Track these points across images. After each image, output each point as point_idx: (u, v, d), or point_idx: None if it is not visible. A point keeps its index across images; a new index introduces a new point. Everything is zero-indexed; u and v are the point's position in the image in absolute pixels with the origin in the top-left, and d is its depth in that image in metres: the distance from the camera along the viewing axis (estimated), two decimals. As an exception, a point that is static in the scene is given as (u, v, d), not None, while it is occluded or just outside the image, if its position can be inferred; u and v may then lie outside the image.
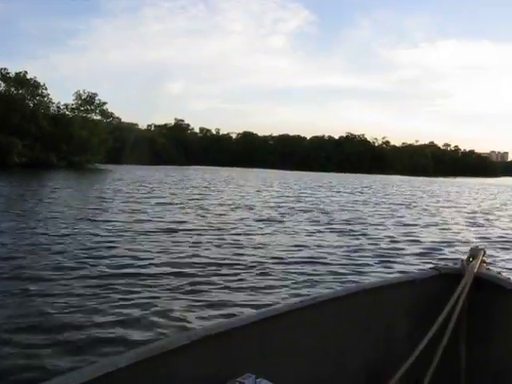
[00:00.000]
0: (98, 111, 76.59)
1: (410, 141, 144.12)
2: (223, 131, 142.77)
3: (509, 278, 2.45)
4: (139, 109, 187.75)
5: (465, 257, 2.57)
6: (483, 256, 2.55)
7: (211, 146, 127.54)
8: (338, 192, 37.49)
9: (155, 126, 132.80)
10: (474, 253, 2.55)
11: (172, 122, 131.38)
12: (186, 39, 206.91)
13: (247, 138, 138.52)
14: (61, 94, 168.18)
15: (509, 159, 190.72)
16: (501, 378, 2.38)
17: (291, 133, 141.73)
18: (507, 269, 8.66)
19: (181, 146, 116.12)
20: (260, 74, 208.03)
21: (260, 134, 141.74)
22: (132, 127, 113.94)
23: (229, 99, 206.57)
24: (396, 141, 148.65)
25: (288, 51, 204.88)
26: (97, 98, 76.25)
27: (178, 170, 72.57)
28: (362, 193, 38.03)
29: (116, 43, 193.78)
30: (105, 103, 77.23)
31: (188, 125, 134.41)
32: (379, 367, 2.32)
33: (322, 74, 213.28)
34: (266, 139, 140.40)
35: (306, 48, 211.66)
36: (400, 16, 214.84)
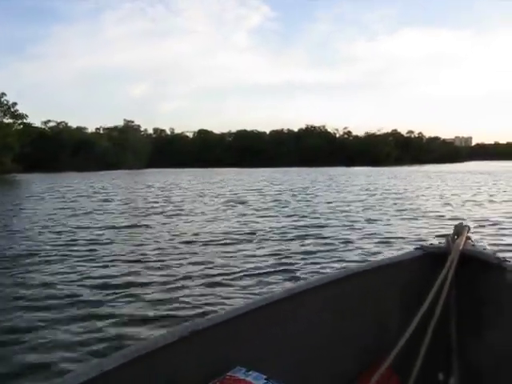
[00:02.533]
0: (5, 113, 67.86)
1: (373, 131, 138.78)
2: (179, 131, 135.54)
3: (494, 253, 2.42)
4: (102, 113, 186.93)
5: (450, 234, 2.51)
6: (468, 232, 2.51)
7: (166, 147, 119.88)
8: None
9: (104, 128, 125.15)
10: (459, 230, 2.51)
11: (121, 123, 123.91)
12: (146, 41, 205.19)
13: (202, 136, 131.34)
14: (25, 104, 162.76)
15: (473, 143, 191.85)
16: (491, 351, 2.38)
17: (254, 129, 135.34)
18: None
19: (131, 148, 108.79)
20: (224, 71, 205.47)
21: (217, 131, 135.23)
22: (68, 130, 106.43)
23: (195, 99, 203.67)
24: (358, 131, 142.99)
25: (250, 48, 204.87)
26: (4, 99, 68.16)
27: (107, 176, 65.34)
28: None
29: (77, 48, 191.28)
30: (15, 104, 68.84)
31: (139, 126, 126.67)
32: (371, 352, 2.32)
33: (285, 70, 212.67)
34: (222, 136, 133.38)
35: (268, 44, 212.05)
36: (359, 9, 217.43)
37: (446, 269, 2.34)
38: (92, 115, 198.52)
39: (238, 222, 16.20)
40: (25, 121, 76.68)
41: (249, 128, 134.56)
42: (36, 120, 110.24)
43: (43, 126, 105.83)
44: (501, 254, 2.40)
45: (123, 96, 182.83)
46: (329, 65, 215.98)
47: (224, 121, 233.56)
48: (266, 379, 1.69)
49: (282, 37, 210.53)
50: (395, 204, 21.47)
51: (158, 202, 24.58)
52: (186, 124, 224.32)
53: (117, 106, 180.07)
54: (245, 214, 18.31)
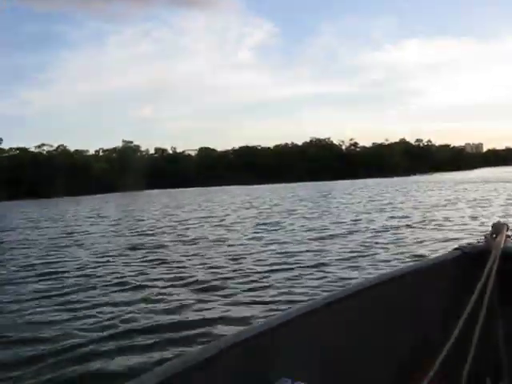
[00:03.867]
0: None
1: (381, 141, 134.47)
2: (181, 149, 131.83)
3: None
4: (105, 136, 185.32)
5: (488, 234, 2.49)
6: (507, 231, 2.48)
7: (167, 167, 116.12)
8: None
9: (103, 150, 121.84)
10: (498, 228, 2.47)
11: (120, 144, 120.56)
12: (149, 62, 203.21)
13: (204, 154, 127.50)
14: (35, 130, 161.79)
15: (484, 150, 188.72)
16: None
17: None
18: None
19: (132, 169, 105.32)
20: (229, 90, 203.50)
21: (220, 149, 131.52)
22: (66, 153, 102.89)
23: (198, 118, 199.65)
24: (365, 142, 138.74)
25: (255, 65, 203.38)
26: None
27: (95, 201, 61.57)
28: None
29: (80, 72, 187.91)
30: None
31: (138, 146, 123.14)
32: (415, 358, 2.26)
33: (289, 84, 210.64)
34: (225, 154, 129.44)
35: (272, 60, 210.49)
36: (363, 20, 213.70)
37: (487, 268, 2.29)
38: (95, 138, 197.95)
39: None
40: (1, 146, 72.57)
41: (252, 144, 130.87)
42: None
43: (37, 150, 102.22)
44: None
45: (127, 118, 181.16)
46: (333, 77, 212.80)
47: (228, 139, 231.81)
48: None
49: (285, 52, 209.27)
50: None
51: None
52: (189, 144, 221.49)
53: (120, 128, 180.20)
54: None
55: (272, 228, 18.54)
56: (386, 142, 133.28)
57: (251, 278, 9.48)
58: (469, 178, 61.01)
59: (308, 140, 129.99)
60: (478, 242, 2.52)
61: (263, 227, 19.00)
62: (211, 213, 29.04)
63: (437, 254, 2.84)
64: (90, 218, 31.20)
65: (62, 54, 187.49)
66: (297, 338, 1.93)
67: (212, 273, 10.29)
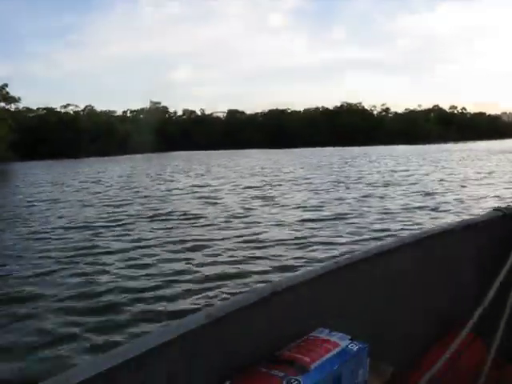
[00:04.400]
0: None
1: (413, 107, 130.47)
2: (210, 111, 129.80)
3: None
4: (143, 100, 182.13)
5: None
6: None
7: (194, 129, 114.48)
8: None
9: (131, 111, 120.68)
10: None
11: (148, 105, 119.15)
12: (183, 26, 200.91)
13: (233, 116, 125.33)
14: (65, 92, 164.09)
15: None
16: None
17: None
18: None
19: (158, 131, 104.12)
20: (262, 54, 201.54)
21: (249, 112, 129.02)
22: (92, 114, 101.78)
23: (234, 83, 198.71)
24: (398, 108, 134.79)
25: (288, 29, 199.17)
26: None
27: (115, 162, 60.85)
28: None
29: (114, 35, 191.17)
30: (5, 85, 62.54)
31: (166, 107, 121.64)
32: (452, 315, 2.29)
33: (323, 50, 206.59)
34: (254, 116, 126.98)
35: (306, 25, 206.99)
36: None
37: None
38: (124, 100, 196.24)
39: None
40: (20, 104, 70.67)
41: (282, 107, 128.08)
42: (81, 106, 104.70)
43: (63, 110, 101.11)
44: None
45: (157, 81, 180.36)
46: (367, 42, 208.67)
47: (258, 103, 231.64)
48: (350, 339, 1.64)
49: (319, 17, 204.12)
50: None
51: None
52: (220, 107, 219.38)
53: (150, 90, 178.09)
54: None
55: (264, 203, 16.48)
56: (419, 108, 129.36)
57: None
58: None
59: (339, 104, 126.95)
60: None
61: (254, 202, 16.82)
62: (212, 179, 27.52)
63: (476, 215, 2.76)
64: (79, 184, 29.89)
65: (93, 15, 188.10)
66: (335, 290, 1.93)
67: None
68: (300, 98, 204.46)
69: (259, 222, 12.61)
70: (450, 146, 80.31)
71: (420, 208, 13.73)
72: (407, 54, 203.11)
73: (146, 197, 19.90)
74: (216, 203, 16.93)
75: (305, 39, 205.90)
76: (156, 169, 41.44)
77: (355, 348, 1.60)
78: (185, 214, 14.36)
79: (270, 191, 20.14)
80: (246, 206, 15.94)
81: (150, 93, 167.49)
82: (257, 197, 18.36)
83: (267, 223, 12.39)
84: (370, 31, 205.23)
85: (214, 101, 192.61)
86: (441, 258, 2.32)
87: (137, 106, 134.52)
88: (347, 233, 10.51)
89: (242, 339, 1.62)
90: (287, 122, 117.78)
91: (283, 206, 15.57)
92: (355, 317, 1.95)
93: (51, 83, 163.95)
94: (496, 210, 2.52)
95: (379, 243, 2.26)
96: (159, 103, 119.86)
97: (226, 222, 13.01)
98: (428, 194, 16.88)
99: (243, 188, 21.76)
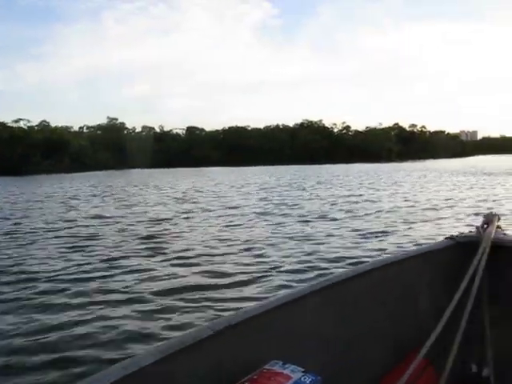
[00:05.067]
0: None
1: (374, 125, 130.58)
2: (169, 128, 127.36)
3: None
4: (103, 113, 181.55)
5: (479, 224, 2.55)
6: (498, 221, 2.53)
7: (153, 146, 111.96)
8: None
9: (87, 127, 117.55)
10: (489, 219, 2.54)
11: (105, 121, 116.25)
12: (146, 40, 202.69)
13: (192, 133, 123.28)
14: (24, 104, 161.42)
15: (478, 138, 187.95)
16: None
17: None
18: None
19: (115, 147, 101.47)
20: (222, 69, 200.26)
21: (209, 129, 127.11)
22: (46, 130, 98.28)
23: (199, 96, 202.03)
24: (358, 125, 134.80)
25: (252, 45, 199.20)
26: None
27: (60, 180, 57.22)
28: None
29: (76, 48, 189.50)
30: None
31: (123, 123, 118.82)
32: (405, 343, 2.31)
33: (285, 66, 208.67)
34: (214, 134, 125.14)
35: (270, 40, 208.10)
36: (363, 2, 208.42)
37: (477, 257, 2.33)
38: (82, 115, 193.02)
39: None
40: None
41: (242, 125, 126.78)
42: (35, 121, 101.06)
43: (14, 125, 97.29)
44: None
45: (119, 95, 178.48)
46: (329, 59, 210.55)
47: (219, 119, 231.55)
48: (303, 371, 1.64)
49: (283, 33, 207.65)
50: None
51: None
52: (182, 123, 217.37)
53: (113, 105, 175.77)
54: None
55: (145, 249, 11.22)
56: (380, 127, 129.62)
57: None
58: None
59: (299, 122, 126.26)
60: (470, 232, 2.57)
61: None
62: (117, 208, 21.61)
63: (430, 243, 2.73)
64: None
65: (57, 27, 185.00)
66: (289, 322, 1.92)
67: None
68: (261, 113, 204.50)
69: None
70: (409, 164, 79.88)
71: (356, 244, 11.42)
72: (371, 71, 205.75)
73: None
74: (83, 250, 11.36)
75: (267, 54, 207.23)
76: (77, 190, 36.30)
77: (308, 380, 1.60)
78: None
79: (171, 227, 15.16)
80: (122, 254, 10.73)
81: (110, 107, 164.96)
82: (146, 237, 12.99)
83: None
84: (334, 48, 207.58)
85: (174, 116, 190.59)
86: (396, 285, 2.35)
87: (94, 121, 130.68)
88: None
89: (193, 376, 1.59)
90: (247, 139, 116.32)
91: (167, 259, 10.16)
92: (308, 348, 1.95)
93: (5, 96, 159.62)
94: (449, 238, 2.58)
95: (332, 275, 2.22)
96: (116, 119, 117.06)
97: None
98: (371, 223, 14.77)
99: (144, 221, 16.57)
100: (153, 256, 10.32)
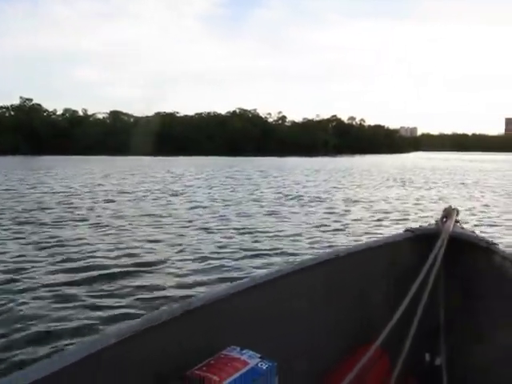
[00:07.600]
0: None
1: (311, 117, 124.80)
2: (92, 112, 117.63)
3: (483, 237, 2.48)
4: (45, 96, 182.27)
5: (439, 217, 2.55)
6: (456, 216, 2.55)
7: (71, 131, 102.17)
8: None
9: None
10: (448, 213, 2.54)
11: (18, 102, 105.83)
12: (95, 24, 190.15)
13: (116, 118, 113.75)
14: None
15: (418, 134, 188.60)
16: (479, 332, 2.43)
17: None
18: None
19: (24, 131, 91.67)
20: (174, 58, 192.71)
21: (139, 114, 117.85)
22: None
23: (144, 85, 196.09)
24: (296, 117, 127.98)
25: (200, 34, 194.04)
26: None
27: None
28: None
29: (20, 29, 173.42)
30: None
31: (39, 105, 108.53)
32: (362, 332, 2.33)
33: (229, 56, 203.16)
34: (141, 120, 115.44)
35: (216, 30, 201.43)
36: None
37: (435, 250, 2.36)
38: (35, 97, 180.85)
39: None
40: None
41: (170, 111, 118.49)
42: None
43: None
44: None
45: (70, 79, 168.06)
46: (273, 52, 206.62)
47: (153, 107, 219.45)
48: (260, 357, 1.68)
49: (229, 23, 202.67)
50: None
51: None
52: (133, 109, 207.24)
53: (55, 88, 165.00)
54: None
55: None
56: (317, 118, 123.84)
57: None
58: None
59: (231, 110, 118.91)
60: (429, 225, 2.58)
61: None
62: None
63: (388, 235, 2.74)
64: None
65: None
66: (247, 309, 1.94)
67: None
68: (201, 103, 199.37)
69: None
70: (346, 159, 74.84)
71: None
72: (314, 66, 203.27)
73: None
74: None
75: (213, 44, 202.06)
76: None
77: (264, 367, 1.63)
78: None
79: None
80: None
81: (50, 91, 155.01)
82: None
83: None
84: (279, 41, 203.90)
85: (111, 102, 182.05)
86: (354, 276, 2.37)
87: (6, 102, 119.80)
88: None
89: (151, 359, 1.59)
90: (175, 127, 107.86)
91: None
92: (266, 335, 1.97)
93: None
94: (407, 230, 2.59)
95: (289, 265, 2.24)
96: (31, 100, 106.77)
97: None
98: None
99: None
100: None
